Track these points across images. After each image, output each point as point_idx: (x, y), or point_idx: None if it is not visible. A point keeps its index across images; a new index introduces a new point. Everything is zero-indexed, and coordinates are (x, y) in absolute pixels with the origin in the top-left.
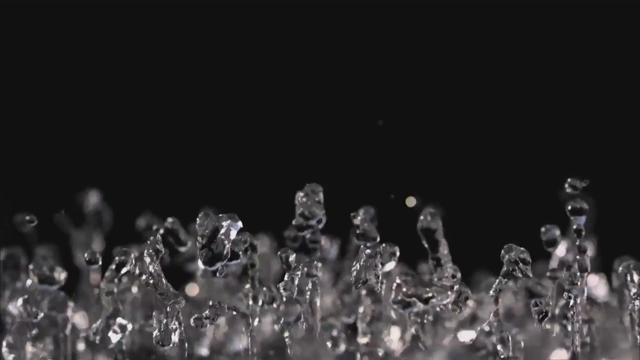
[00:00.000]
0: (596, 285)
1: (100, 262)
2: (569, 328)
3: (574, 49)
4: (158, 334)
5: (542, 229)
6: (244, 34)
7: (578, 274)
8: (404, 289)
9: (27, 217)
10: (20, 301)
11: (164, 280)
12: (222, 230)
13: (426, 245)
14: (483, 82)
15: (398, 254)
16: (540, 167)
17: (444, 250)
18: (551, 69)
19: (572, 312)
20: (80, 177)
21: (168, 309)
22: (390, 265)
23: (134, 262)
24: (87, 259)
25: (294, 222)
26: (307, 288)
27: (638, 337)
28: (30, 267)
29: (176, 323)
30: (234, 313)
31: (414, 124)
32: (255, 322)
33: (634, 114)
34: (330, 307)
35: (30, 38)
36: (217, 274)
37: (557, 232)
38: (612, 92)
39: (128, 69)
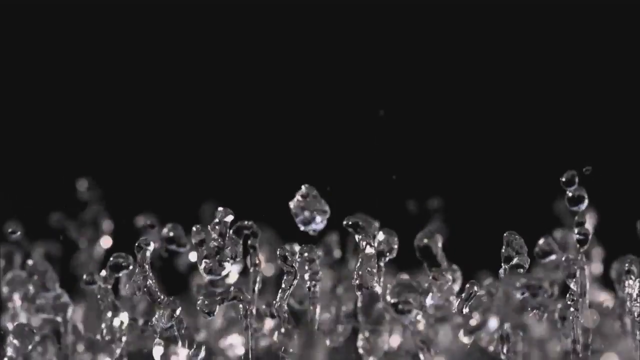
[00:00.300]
0: (598, 291)
1: (97, 282)
2: (569, 328)
3: (578, 46)
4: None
5: (540, 241)
6: (243, 29)
7: (579, 247)
8: (401, 294)
9: (10, 229)
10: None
11: (156, 289)
12: (216, 221)
13: (423, 260)
14: (483, 79)
15: (397, 243)
16: (543, 164)
17: (442, 263)
18: (550, 65)
19: (572, 305)
20: (81, 176)
21: (166, 315)
22: (394, 244)
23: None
24: (85, 280)
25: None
26: (306, 277)
27: (638, 337)
28: (28, 265)
29: (175, 327)
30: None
31: (415, 120)
32: (254, 310)
33: (632, 115)
34: (329, 311)
35: (30, 38)
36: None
37: (554, 246)
38: (612, 93)
39: (129, 67)
